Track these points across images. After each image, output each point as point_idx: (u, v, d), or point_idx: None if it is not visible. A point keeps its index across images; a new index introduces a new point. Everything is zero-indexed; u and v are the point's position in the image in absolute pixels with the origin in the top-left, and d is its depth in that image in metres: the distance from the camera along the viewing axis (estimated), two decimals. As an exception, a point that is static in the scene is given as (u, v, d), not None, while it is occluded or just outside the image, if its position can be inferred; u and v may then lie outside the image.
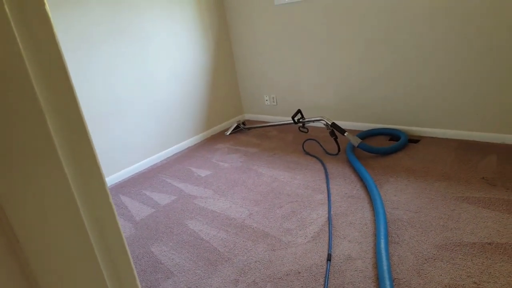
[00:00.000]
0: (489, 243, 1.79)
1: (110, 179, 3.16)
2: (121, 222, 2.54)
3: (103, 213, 0.38)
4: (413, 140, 3.09)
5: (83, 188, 0.38)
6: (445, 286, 1.58)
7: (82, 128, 0.38)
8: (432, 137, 3.09)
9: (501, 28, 2.54)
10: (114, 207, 0.40)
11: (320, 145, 3.28)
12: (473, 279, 1.59)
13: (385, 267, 1.66)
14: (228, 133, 3.99)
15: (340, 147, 3.17)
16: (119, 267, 0.40)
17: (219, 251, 2.07)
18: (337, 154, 3.07)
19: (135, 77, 3.25)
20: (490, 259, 1.69)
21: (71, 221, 0.39)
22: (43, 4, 0.46)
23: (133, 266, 0.42)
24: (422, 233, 1.94)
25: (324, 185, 2.59)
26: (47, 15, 0.44)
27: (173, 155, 3.64)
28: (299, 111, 3.26)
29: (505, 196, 2.13)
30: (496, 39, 2.58)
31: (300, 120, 3.29)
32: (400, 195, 2.32)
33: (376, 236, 1.94)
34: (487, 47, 2.63)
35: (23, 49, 0.40)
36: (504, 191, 2.18)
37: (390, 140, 3.18)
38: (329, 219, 2.19)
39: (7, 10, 0.42)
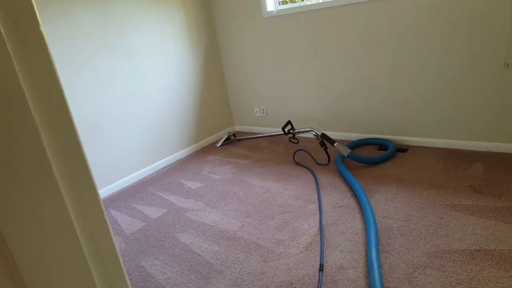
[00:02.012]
0: (478, 250, 1.81)
1: (100, 193, 3.13)
2: (111, 236, 2.51)
3: (97, 229, 0.39)
4: (401, 149, 3.14)
5: (78, 206, 0.38)
6: (436, 293, 1.60)
7: (77, 147, 0.39)
8: (419, 146, 3.14)
9: (485, 41, 2.62)
10: (108, 223, 0.40)
11: (311, 156, 3.31)
12: (463, 286, 1.61)
13: (376, 276, 1.67)
14: (218, 145, 3.99)
15: (330, 157, 3.20)
16: (114, 283, 0.41)
17: (211, 264, 2.06)
18: (327, 164, 3.09)
19: (125, 91, 3.25)
20: (479, 265, 1.71)
21: (66, 238, 0.39)
22: (38, 25, 0.47)
23: (128, 282, 0.43)
24: (412, 241, 1.96)
25: (315, 195, 2.61)
26: (42, 35, 0.46)
27: (164, 167, 3.63)
28: (289, 122, 3.29)
29: (492, 203, 2.17)
30: (481, 51, 2.66)
31: (290, 131, 3.31)
32: (390, 204, 2.34)
33: (367, 245, 1.96)
34: (472, 58, 2.71)
35: (19, 69, 0.41)
36: (491, 198, 2.22)
37: (378, 149, 3.23)
38: (321, 229, 2.20)
39: (2, 31, 0.43)
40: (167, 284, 1.95)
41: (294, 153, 3.34)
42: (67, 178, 0.38)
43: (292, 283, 1.81)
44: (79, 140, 0.39)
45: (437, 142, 3.07)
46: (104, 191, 3.16)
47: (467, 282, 1.63)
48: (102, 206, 0.41)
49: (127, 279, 0.43)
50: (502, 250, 1.79)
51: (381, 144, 3.26)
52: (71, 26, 2.83)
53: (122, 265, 0.42)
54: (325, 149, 3.04)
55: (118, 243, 2.42)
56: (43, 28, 0.41)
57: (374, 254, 1.81)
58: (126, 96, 3.27)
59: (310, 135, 3.84)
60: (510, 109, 2.67)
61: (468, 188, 2.37)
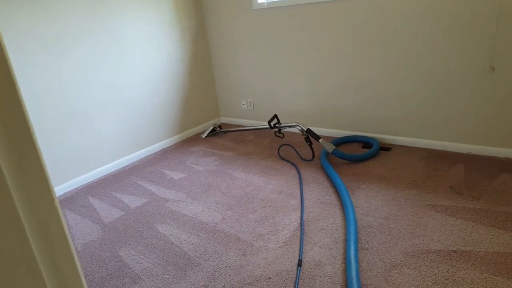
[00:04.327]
0: (455, 251, 1.83)
1: (80, 180, 3.06)
2: (88, 224, 2.46)
3: (48, 221, 0.35)
4: (385, 148, 3.15)
5: (26, 196, 0.35)
6: (411, 292, 1.61)
7: (26, 130, 0.36)
8: (403, 146, 3.16)
9: (472, 44, 2.63)
10: (62, 215, 0.37)
11: (295, 151, 3.30)
12: (439, 286, 1.62)
13: (353, 273, 1.67)
14: (204, 136, 3.95)
15: (315, 153, 3.19)
16: (67, 280, 0.37)
17: (189, 255, 2.03)
18: (311, 160, 3.09)
19: (108, 78, 3.17)
20: (455, 266, 1.73)
21: (11, 231, 0.36)
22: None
23: (83, 279, 0.40)
24: (390, 239, 1.97)
25: (298, 191, 2.60)
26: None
27: (146, 156, 3.57)
28: (275, 116, 3.27)
29: (471, 205, 2.19)
30: (468, 53, 2.67)
31: (276, 125, 3.29)
32: (371, 202, 2.35)
33: (346, 242, 1.96)
34: (459, 60, 2.72)
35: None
36: (470, 200, 2.25)
37: (363, 147, 3.23)
38: (301, 224, 2.19)
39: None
40: (143, 275, 1.92)
41: (279, 147, 3.33)
42: (15, 168, 0.34)
43: (269, 277, 1.80)
44: (29, 126, 0.36)
45: (420, 142, 3.09)
46: (84, 178, 3.09)
47: (443, 283, 1.64)
48: (54, 198, 0.38)
49: (82, 276, 0.40)
50: (478, 251, 1.81)
51: (366, 142, 3.27)
52: (54, 8, 2.73)
53: (77, 261, 0.39)
54: (310, 144, 3.04)
55: (95, 231, 2.37)
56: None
57: (352, 251, 1.82)
58: (110, 81, 3.19)
59: (296, 130, 3.83)
60: (493, 113, 2.70)
61: (448, 189, 2.39)
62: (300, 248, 1.99)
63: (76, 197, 2.86)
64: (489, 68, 2.61)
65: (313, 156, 3.07)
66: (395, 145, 3.19)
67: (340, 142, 3.34)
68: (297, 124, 3.14)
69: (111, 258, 2.09)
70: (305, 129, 3.06)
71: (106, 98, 3.18)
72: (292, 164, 3.05)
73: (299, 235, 2.10)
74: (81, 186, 3.06)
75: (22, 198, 0.35)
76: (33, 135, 0.39)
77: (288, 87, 3.71)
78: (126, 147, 3.41)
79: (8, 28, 2.52)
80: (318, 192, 2.55)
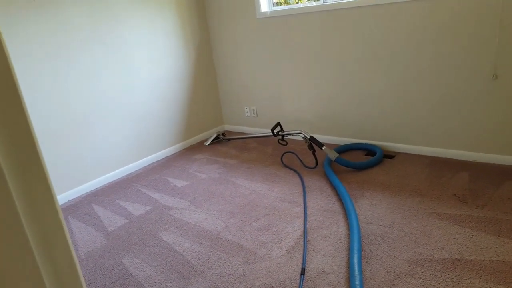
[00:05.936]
0: (459, 260, 1.82)
1: (84, 188, 3.08)
2: (92, 232, 2.47)
3: (51, 232, 0.36)
4: (389, 155, 3.15)
5: (30, 206, 0.36)
6: (415, 302, 1.60)
7: (30, 142, 0.36)
8: (407, 153, 3.16)
9: (475, 52, 2.64)
10: (65, 226, 0.37)
11: (298, 158, 3.30)
12: (443, 295, 1.61)
13: (357, 282, 1.66)
14: (207, 144, 3.96)
15: (318, 160, 3.19)
16: None
17: (192, 264, 2.03)
18: (314, 167, 3.09)
19: (113, 85, 3.20)
20: (459, 275, 1.72)
21: (14, 241, 0.37)
22: None
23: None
24: (394, 248, 1.96)
25: (301, 198, 2.60)
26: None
27: (150, 164, 3.58)
28: (278, 124, 3.28)
29: (475, 213, 2.18)
30: (471, 61, 2.68)
31: (280, 132, 3.30)
32: (374, 210, 2.34)
33: (349, 250, 1.95)
34: (462, 68, 2.73)
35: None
36: (474, 208, 2.23)
37: (366, 155, 3.23)
38: (305, 232, 2.19)
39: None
40: (146, 283, 1.92)
41: (282, 155, 3.33)
42: (18, 176, 0.35)
43: (273, 286, 1.80)
44: (32, 134, 0.37)
45: (424, 150, 3.08)
46: (88, 185, 3.10)
47: (446, 291, 1.63)
48: (57, 207, 0.38)
49: (84, 284, 0.40)
50: (483, 260, 1.80)
51: (369, 150, 3.27)
52: (60, 17, 2.78)
53: (79, 270, 0.39)
54: (313, 152, 3.04)
55: (98, 239, 2.38)
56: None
57: (356, 260, 1.81)
58: (115, 90, 3.22)
59: (299, 137, 3.83)
60: (497, 120, 2.69)
61: (452, 197, 2.38)
62: (303, 256, 1.98)
63: (80, 205, 2.87)
64: (493, 76, 2.61)
65: (316, 164, 3.07)
66: (399, 153, 3.19)
67: (343, 149, 3.34)
68: (300, 132, 3.14)
69: (115, 266, 2.09)
70: (308, 137, 3.06)
71: (111, 106, 3.21)
72: (295, 171, 3.05)
73: (302, 243, 2.10)
74: (85, 193, 3.07)
75: (24, 206, 0.35)
76: (36, 142, 0.40)
77: (292, 94, 3.72)
78: (130, 155, 3.43)
79: (15, 36, 2.56)
80: (321, 200, 2.55)
